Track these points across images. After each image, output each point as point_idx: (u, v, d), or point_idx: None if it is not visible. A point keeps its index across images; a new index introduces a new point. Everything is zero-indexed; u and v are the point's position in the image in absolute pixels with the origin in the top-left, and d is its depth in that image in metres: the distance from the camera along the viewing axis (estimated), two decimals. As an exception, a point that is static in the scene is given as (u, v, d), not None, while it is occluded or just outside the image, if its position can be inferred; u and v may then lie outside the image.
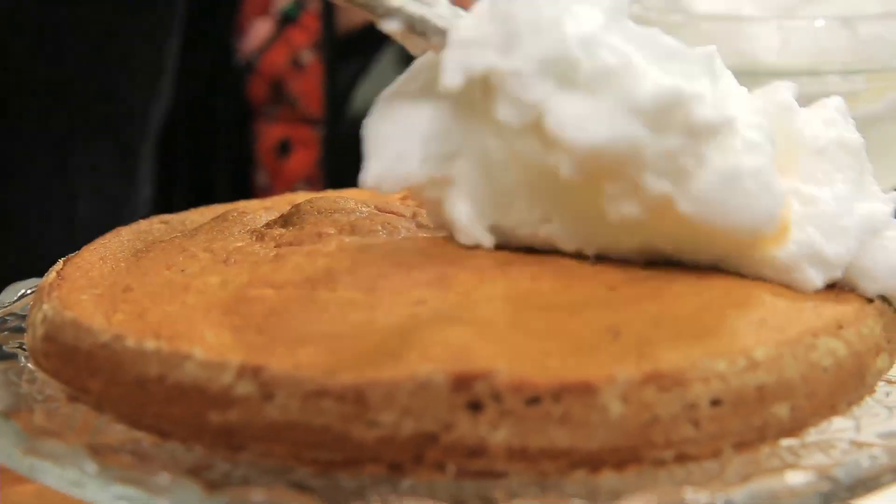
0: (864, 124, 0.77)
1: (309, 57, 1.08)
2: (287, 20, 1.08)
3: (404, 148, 0.51)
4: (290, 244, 0.57)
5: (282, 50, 1.08)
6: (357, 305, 0.49)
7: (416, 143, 0.51)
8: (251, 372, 0.46)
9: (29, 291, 0.63)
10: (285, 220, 0.61)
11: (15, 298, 0.62)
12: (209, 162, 1.10)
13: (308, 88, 1.08)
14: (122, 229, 0.63)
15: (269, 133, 1.08)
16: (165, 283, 0.55)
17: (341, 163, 1.12)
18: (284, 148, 1.08)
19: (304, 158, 1.09)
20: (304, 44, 1.08)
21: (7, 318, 0.60)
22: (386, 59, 1.18)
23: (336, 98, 1.12)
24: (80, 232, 0.92)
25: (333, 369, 0.46)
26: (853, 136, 0.55)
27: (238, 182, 1.09)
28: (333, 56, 1.10)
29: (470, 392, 0.45)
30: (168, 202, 1.06)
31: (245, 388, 0.46)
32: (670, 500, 0.44)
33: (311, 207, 0.62)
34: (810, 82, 0.79)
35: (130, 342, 0.49)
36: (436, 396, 0.45)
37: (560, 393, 0.45)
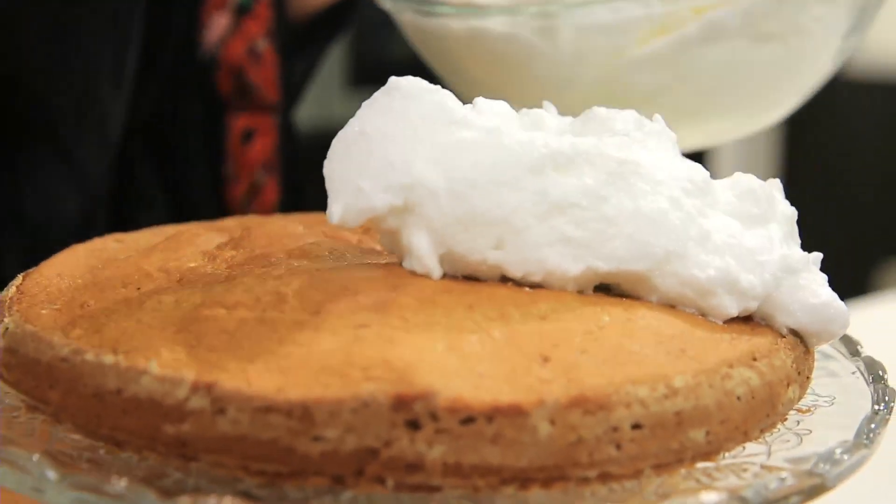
0: (673, 49, 0.78)
1: (264, 45, 1.11)
2: (243, 11, 1.11)
3: (364, 182, 0.54)
4: (242, 266, 0.61)
5: (239, 40, 1.10)
6: (304, 326, 0.52)
7: (375, 175, 0.54)
8: (205, 387, 0.49)
9: (-14, 304, 0.65)
10: (236, 243, 0.64)
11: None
12: (181, 157, 1.12)
13: (265, 76, 1.11)
14: (78, 247, 0.66)
15: (237, 124, 1.11)
16: (122, 301, 0.57)
17: (296, 148, 1.15)
18: (248, 136, 1.11)
19: (263, 145, 1.12)
20: (258, 33, 1.11)
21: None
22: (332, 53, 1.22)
23: (290, 85, 1.15)
24: (28, 230, 0.93)
25: (281, 386, 0.49)
26: (789, 210, 0.60)
27: (209, 175, 1.11)
28: (286, 43, 1.13)
29: (409, 411, 0.48)
30: (137, 201, 1.08)
31: (198, 402, 0.49)
32: (593, 515, 0.47)
33: (262, 231, 0.65)
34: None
35: (90, 356, 0.52)
36: (377, 414, 0.48)
37: (493, 414, 0.48)
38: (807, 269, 0.57)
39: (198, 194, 1.12)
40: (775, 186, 0.59)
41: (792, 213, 0.59)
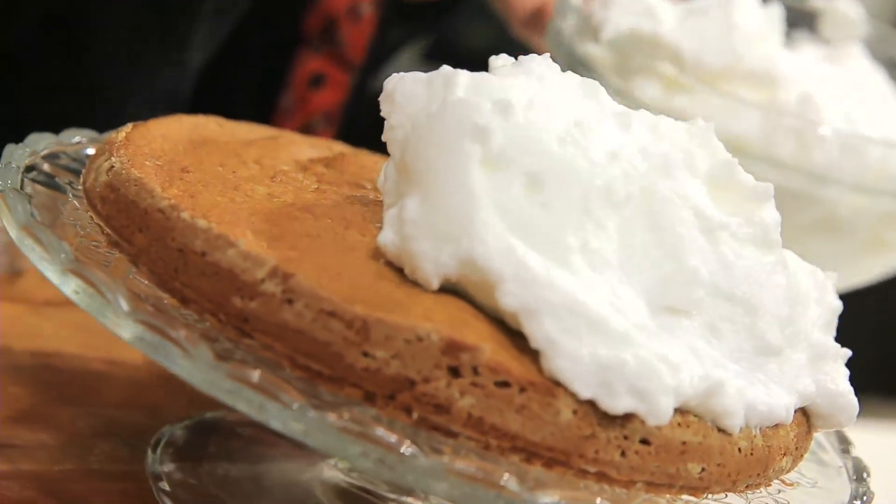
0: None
1: (367, 9, 1.14)
2: None
3: None
4: (331, 184, 0.64)
5: None
6: (381, 255, 0.56)
7: None
8: (283, 276, 0.53)
9: (84, 140, 0.69)
10: (329, 162, 0.68)
11: (72, 142, 0.68)
12: (240, 69, 1.14)
13: (357, 38, 1.14)
14: (184, 117, 0.70)
15: (309, 62, 1.14)
16: (218, 177, 0.61)
17: (360, 111, 1.18)
18: (318, 80, 1.14)
19: (331, 96, 1.15)
20: None
21: (62, 154, 0.67)
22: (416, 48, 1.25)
23: (379, 54, 1.17)
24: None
25: (349, 298, 0.53)
26: (837, 303, 0.63)
27: (261, 97, 1.14)
28: (389, 15, 1.15)
29: (456, 358, 0.52)
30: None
31: (272, 287, 0.53)
32: (584, 502, 0.51)
33: (354, 160, 0.69)
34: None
35: (185, 215, 0.56)
36: (426, 351, 0.52)
37: (526, 386, 0.52)
38: (835, 359, 0.61)
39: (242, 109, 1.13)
40: (831, 279, 0.63)
41: (838, 306, 0.63)
